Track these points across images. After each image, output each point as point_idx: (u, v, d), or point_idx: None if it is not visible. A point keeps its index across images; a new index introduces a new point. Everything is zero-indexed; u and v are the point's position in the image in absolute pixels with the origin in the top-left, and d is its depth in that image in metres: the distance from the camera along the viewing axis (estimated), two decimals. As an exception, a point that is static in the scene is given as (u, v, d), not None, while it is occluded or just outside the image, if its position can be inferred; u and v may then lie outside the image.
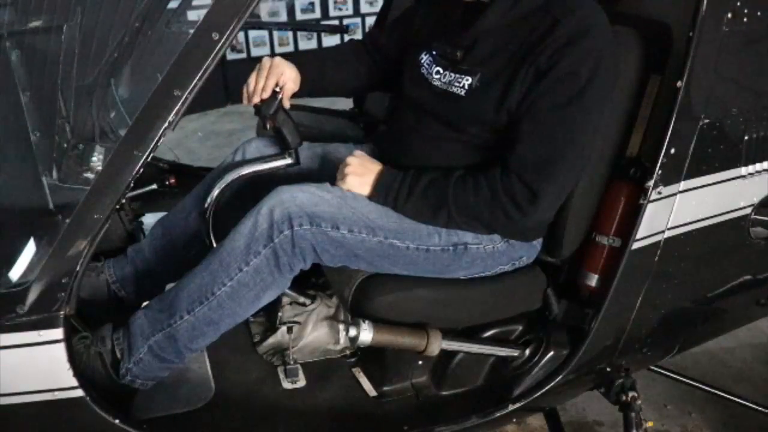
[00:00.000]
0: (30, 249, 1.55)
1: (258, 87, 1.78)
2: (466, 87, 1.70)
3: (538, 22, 1.62)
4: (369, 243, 1.68)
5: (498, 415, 1.85)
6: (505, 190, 1.62)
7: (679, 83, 1.68)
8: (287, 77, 1.80)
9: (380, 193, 1.70)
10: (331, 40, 5.94)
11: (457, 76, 1.72)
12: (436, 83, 1.77)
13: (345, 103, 3.08)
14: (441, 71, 1.76)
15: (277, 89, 1.78)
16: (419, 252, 1.72)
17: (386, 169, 1.73)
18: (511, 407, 1.86)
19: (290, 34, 5.93)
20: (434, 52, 1.80)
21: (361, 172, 1.72)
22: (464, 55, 1.72)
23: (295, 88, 1.85)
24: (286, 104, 1.83)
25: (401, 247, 1.71)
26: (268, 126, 1.82)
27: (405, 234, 1.71)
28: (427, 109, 1.79)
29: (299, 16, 5.88)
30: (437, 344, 1.78)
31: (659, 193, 1.74)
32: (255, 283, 1.65)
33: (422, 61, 1.82)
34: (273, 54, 6.51)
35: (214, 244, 1.80)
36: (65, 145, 1.97)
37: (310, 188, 1.68)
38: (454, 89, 1.72)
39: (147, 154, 1.42)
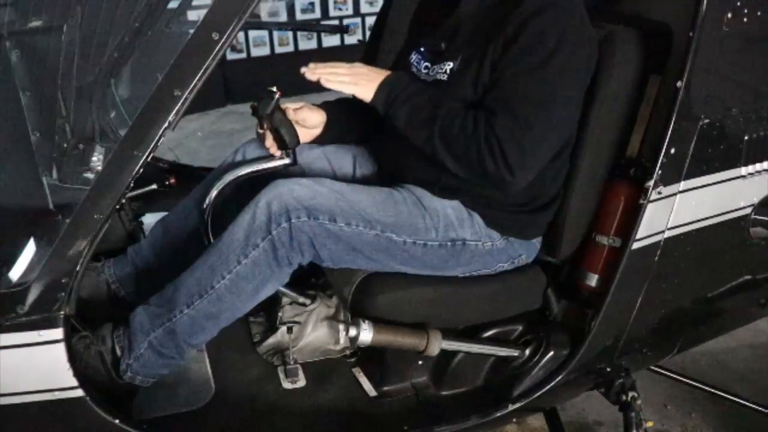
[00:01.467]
0: (30, 249, 1.55)
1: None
2: (448, 72, 1.73)
3: (509, 1, 1.66)
4: (366, 236, 1.69)
5: (498, 415, 1.85)
6: (486, 130, 1.60)
7: (679, 83, 1.68)
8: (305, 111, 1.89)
9: (384, 91, 1.70)
10: (331, 40, 5.95)
11: (441, 64, 1.76)
12: (424, 77, 1.80)
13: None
14: (429, 65, 1.80)
15: (274, 89, 1.79)
16: (416, 247, 1.73)
17: (396, 73, 1.74)
18: (511, 407, 1.85)
19: (290, 34, 5.93)
20: (422, 49, 1.84)
21: (371, 78, 1.72)
22: (448, 44, 1.76)
23: (318, 124, 1.93)
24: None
25: (398, 242, 1.71)
26: (264, 126, 1.83)
27: (401, 228, 1.71)
28: None
29: (299, 16, 5.89)
30: (437, 344, 1.78)
31: (659, 193, 1.74)
32: (254, 276, 1.65)
33: (412, 61, 1.86)
34: (273, 54, 6.50)
35: (213, 244, 1.81)
36: (65, 145, 1.97)
37: (308, 182, 1.69)
38: (439, 77, 1.75)
39: (147, 154, 1.43)
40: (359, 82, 1.71)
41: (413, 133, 1.70)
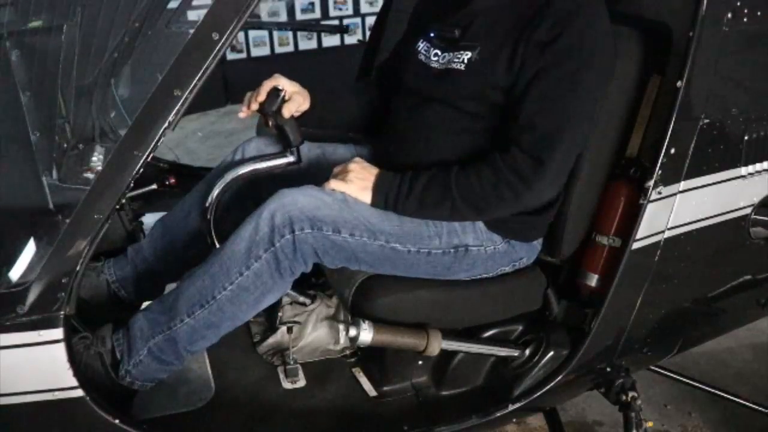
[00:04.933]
0: (30, 249, 1.55)
1: (255, 92, 1.80)
2: (466, 61, 1.70)
3: None
4: (370, 247, 1.68)
5: (498, 415, 1.85)
6: (507, 166, 1.61)
7: (679, 83, 1.68)
8: (285, 84, 1.81)
9: (381, 195, 1.70)
10: (331, 40, 5.94)
11: (456, 53, 1.73)
12: (435, 65, 1.78)
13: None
14: (439, 53, 1.77)
15: (279, 87, 1.79)
16: (420, 255, 1.72)
17: (384, 172, 1.72)
18: (511, 407, 1.85)
19: (290, 34, 5.92)
20: (431, 34, 1.81)
21: (362, 176, 1.71)
22: (462, 33, 1.74)
23: (303, 102, 1.86)
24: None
25: (402, 251, 1.71)
26: (270, 123, 1.82)
27: (406, 237, 1.70)
28: (426, 94, 1.79)
29: (299, 16, 5.88)
30: (437, 344, 1.77)
31: (659, 193, 1.74)
32: (256, 287, 1.65)
33: (419, 48, 1.83)
34: (273, 54, 6.49)
35: (217, 244, 1.81)
36: (65, 145, 1.97)
37: (312, 191, 1.68)
38: (454, 65, 1.72)
39: (147, 154, 1.42)
40: (355, 182, 1.70)
41: (433, 215, 1.70)
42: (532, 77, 1.62)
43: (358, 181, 1.70)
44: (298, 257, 1.64)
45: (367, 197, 1.70)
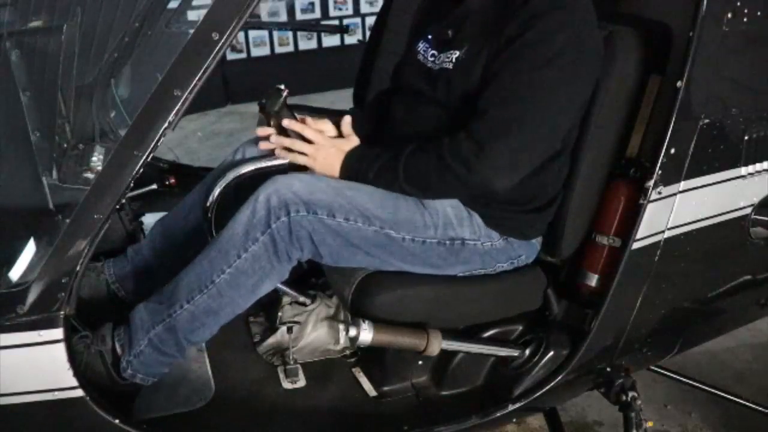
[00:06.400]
0: (30, 249, 1.55)
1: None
2: (454, 60, 1.73)
3: None
4: (365, 232, 1.69)
5: (498, 415, 1.85)
6: (451, 151, 1.62)
7: (679, 83, 1.68)
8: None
9: (343, 173, 1.74)
10: (331, 40, 5.95)
11: (448, 53, 1.75)
12: (430, 65, 1.80)
13: (345, 104, 3.08)
14: (436, 54, 1.80)
15: (282, 87, 1.79)
16: (415, 244, 1.73)
17: (350, 154, 1.75)
18: (511, 407, 1.86)
19: (290, 34, 5.93)
20: (429, 36, 1.84)
21: (331, 158, 1.75)
22: (455, 33, 1.76)
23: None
24: None
25: (397, 238, 1.71)
26: (272, 124, 1.83)
27: (400, 225, 1.71)
28: (423, 93, 1.81)
29: (299, 16, 5.88)
30: (437, 344, 1.78)
31: (659, 193, 1.74)
32: (254, 271, 1.66)
33: (419, 49, 1.86)
34: (273, 54, 6.46)
35: (217, 242, 1.81)
36: (65, 145, 1.97)
37: (306, 177, 1.70)
38: (445, 65, 1.75)
39: (147, 154, 1.43)
40: (318, 159, 1.74)
41: (384, 188, 1.72)
42: (496, 69, 1.63)
43: (323, 160, 1.75)
44: (294, 241, 1.65)
45: (331, 172, 1.75)
